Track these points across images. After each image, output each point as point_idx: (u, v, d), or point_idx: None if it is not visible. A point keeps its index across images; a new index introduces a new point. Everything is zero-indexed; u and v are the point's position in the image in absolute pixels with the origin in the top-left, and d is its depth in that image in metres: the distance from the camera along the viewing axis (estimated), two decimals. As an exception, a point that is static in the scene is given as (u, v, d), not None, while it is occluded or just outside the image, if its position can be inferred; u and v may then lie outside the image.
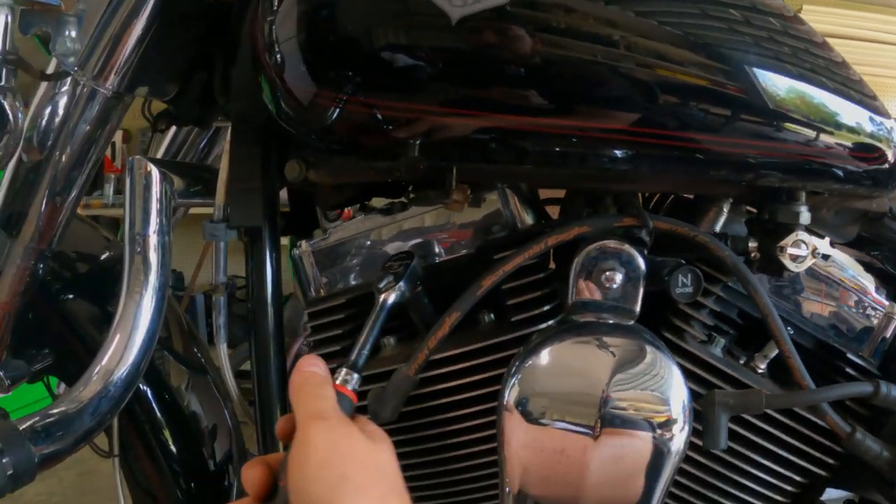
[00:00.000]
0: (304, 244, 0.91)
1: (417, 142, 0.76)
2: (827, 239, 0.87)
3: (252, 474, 0.64)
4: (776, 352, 0.85)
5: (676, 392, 0.74)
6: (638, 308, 0.79)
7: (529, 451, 0.73)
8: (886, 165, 0.83)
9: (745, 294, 0.86)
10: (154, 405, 1.03)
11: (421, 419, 0.85)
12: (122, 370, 0.84)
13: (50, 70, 0.91)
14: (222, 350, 0.93)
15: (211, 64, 0.96)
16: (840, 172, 0.80)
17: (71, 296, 1.04)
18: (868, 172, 0.82)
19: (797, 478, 0.89)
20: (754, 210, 0.89)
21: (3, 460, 0.73)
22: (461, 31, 0.71)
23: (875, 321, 0.92)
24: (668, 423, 0.73)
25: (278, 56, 0.75)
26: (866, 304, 0.92)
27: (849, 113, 0.81)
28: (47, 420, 0.79)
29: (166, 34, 0.90)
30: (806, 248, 0.81)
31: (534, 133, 0.75)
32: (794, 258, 0.81)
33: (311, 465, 0.60)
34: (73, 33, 0.88)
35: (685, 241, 0.81)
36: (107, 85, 0.89)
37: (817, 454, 0.88)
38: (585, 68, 0.73)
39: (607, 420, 0.72)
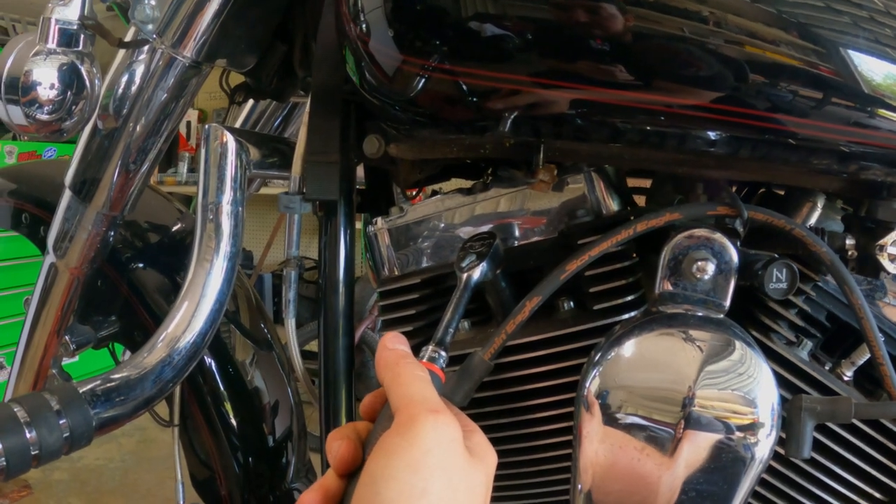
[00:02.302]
0: (379, 221, 0.88)
1: (505, 115, 0.73)
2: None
3: (338, 446, 0.58)
4: (863, 359, 0.80)
5: (766, 394, 0.68)
6: (728, 302, 0.74)
7: (606, 446, 0.69)
8: None
9: (835, 296, 0.81)
10: (217, 377, 1.01)
11: (493, 406, 0.81)
12: (188, 338, 0.81)
13: (128, 38, 0.88)
14: (290, 325, 0.90)
15: (291, 36, 0.93)
16: None
17: (141, 265, 1.02)
18: None
19: (877, 495, 0.83)
20: (849, 207, 0.83)
21: (61, 422, 0.71)
22: (554, 1, 0.67)
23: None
24: (754, 427, 0.68)
25: (364, 25, 0.72)
26: (959, 313, 0.86)
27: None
28: (108, 385, 0.77)
29: (247, 4, 0.87)
30: (907, 249, 0.75)
31: (626, 109, 0.70)
32: (894, 258, 0.75)
33: (400, 461, 0.53)
34: (153, 1, 0.85)
35: (779, 235, 0.75)
36: (185, 53, 0.86)
37: (903, 471, 0.82)
38: (679, 44, 0.68)
39: (692, 420, 0.67)
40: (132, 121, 0.90)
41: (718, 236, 0.73)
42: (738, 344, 0.69)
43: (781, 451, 0.74)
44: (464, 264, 0.74)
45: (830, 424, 0.80)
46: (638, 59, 0.69)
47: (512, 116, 0.73)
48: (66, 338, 0.97)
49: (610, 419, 0.68)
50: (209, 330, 0.83)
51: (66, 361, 1.04)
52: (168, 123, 0.91)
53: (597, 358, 0.70)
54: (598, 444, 0.69)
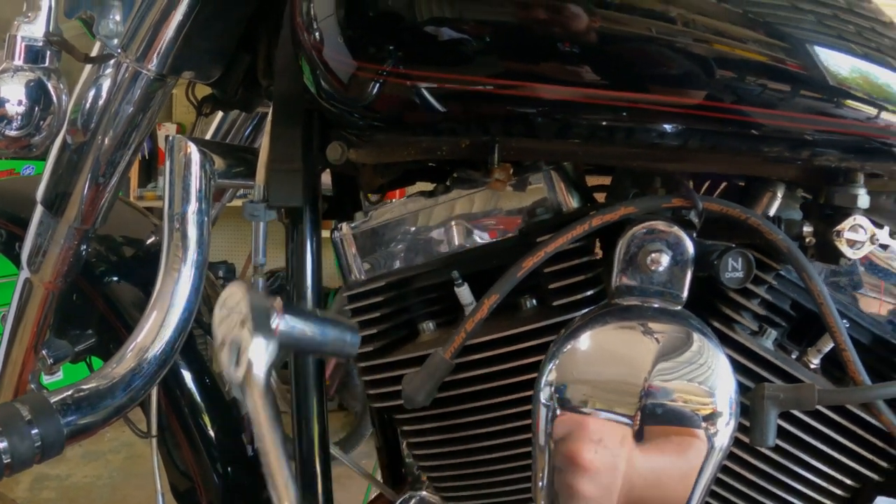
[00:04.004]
0: (344, 226, 0.89)
1: (458, 116, 0.75)
2: (886, 228, 0.83)
3: None
4: (830, 347, 0.81)
5: (723, 384, 0.70)
6: (685, 293, 0.75)
7: (564, 440, 0.70)
8: None
9: (798, 285, 0.82)
10: (194, 389, 1.03)
11: (457, 405, 0.83)
12: (157, 348, 0.83)
13: (94, 53, 0.91)
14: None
15: (255, 46, 0.95)
16: None
17: (115, 278, 1.04)
18: None
19: (847, 480, 0.83)
20: (809, 196, 0.85)
21: (33, 431, 0.72)
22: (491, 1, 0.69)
23: (938, 316, 0.87)
24: (712, 417, 0.69)
25: (317, 34, 0.74)
26: (928, 298, 0.87)
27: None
28: (78, 394, 0.78)
29: (210, 16, 0.89)
30: (864, 233, 0.77)
31: (578, 105, 0.72)
32: (852, 244, 0.77)
33: None
34: (118, 16, 0.88)
35: (737, 225, 0.77)
36: (150, 67, 0.89)
37: (870, 456, 0.82)
38: (631, 39, 0.69)
39: (648, 410, 0.68)
40: (100, 134, 0.92)
41: (673, 228, 0.74)
42: (693, 335, 0.71)
43: (746, 439, 0.76)
44: None
45: (798, 413, 0.81)
46: (590, 56, 0.71)
47: (465, 117, 0.75)
48: (44, 352, 0.99)
49: (566, 412, 0.69)
50: (178, 338, 0.85)
51: (49, 379, 1.06)
52: (136, 136, 0.93)
53: (553, 352, 0.72)
54: (555, 438, 0.70)
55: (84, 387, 0.80)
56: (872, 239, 0.77)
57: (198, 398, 1.02)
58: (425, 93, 0.73)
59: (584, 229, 0.75)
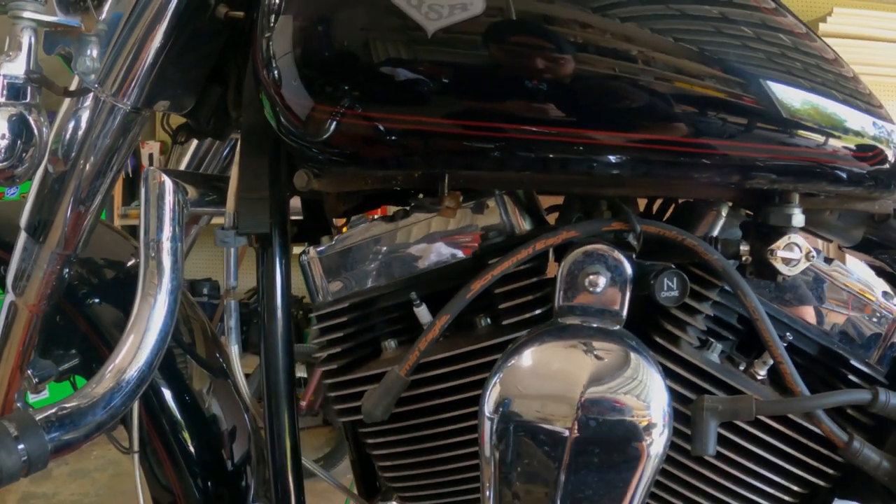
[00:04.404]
0: (311, 250, 0.95)
1: (411, 152, 0.80)
2: (821, 243, 0.88)
3: None
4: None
5: (657, 397, 0.75)
6: (624, 312, 0.80)
7: (505, 453, 0.75)
8: (887, 166, 0.83)
9: (744, 300, 0.87)
10: (175, 406, 1.08)
11: (416, 419, 0.88)
12: (135, 369, 0.89)
13: (73, 87, 0.97)
14: (233, 352, 0.97)
15: (226, 78, 1.01)
16: (834, 173, 0.80)
17: (97, 300, 1.10)
18: (867, 173, 0.82)
19: (795, 487, 0.88)
20: (752, 214, 0.90)
21: (20, 447, 0.78)
22: (438, 44, 0.75)
23: (883, 327, 0.92)
24: (647, 428, 0.74)
25: (276, 72, 0.79)
26: (874, 309, 0.91)
27: (844, 114, 0.81)
28: (62, 412, 0.84)
29: (182, 51, 0.95)
30: (799, 251, 0.81)
31: (521, 141, 0.77)
32: (787, 261, 0.81)
33: None
34: (94, 52, 0.94)
35: (675, 246, 0.82)
36: (125, 100, 0.94)
37: (815, 464, 0.87)
38: (578, 78, 0.75)
39: (583, 423, 0.73)
40: (80, 164, 0.98)
41: (610, 250, 0.79)
42: (627, 352, 0.76)
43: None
44: None
45: (742, 424, 0.86)
46: (525, 94, 0.76)
47: (416, 153, 0.80)
48: (30, 372, 1.05)
49: (507, 427, 0.75)
50: (155, 359, 0.91)
51: (35, 398, 1.12)
52: (114, 165, 0.99)
53: (497, 368, 0.77)
54: (499, 450, 0.76)
55: (67, 405, 0.86)
56: (808, 256, 0.82)
57: (178, 415, 1.07)
58: (380, 131, 0.78)
59: (528, 253, 0.81)
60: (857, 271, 0.94)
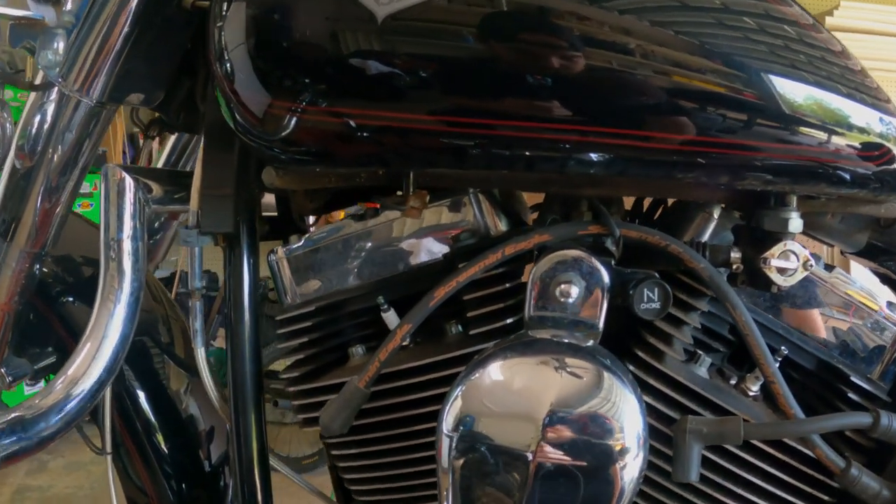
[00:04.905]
0: (279, 250, 0.84)
1: (372, 148, 0.68)
2: (824, 249, 0.75)
3: None
4: (772, 372, 0.73)
5: (630, 418, 0.62)
6: (601, 324, 0.68)
7: (465, 474, 0.63)
8: (894, 165, 0.69)
9: (737, 308, 0.74)
10: (148, 407, 0.98)
11: (380, 432, 0.76)
12: (91, 378, 0.79)
13: (38, 81, 0.87)
14: (199, 354, 0.87)
15: (196, 71, 0.90)
16: (836, 173, 0.67)
17: (70, 299, 1.00)
18: (873, 174, 0.68)
19: None
20: (745, 217, 0.77)
21: None
22: (389, 32, 0.62)
23: (887, 339, 0.78)
24: (619, 452, 0.62)
25: (228, 65, 0.67)
26: (877, 320, 0.78)
27: (848, 109, 0.68)
28: (10, 422, 0.75)
29: (148, 43, 0.84)
30: (796, 260, 0.68)
31: (487, 136, 0.65)
32: (782, 271, 0.68)
33: None
34: (60, 45, 0.84)
35: (659, 252, 0.69)
36: (90, 95, 0.84)
37: (810, 490, 0.74)
38: (531, 64, 0.62)
39: (547, 446, 0.61)
40: (47, 159, 0.87)
41: (585, 256, 0.67)
42: (598, 370, 0.63)
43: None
44: None
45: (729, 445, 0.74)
46: (488, 85, 0.63)
47: (379, 148, 0.68)
48: (2, 370, 0.96)
49: (466, 447, 0.62)
50: (113, 365, 0.81)
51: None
52: (81, 158, 0.88)
53: (457, 383, 0.65)
54: (456, 473, 0.64)
55: (13, 416, 0.77)
56: (805, 265, 0.69)
57: (151, 416, 0.97)
58: (341, 127, 0.66)
59: (496, 258, 0.68)
60: (861, 279, 0.80)
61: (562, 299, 0.66)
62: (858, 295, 0.78)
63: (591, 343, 0.66)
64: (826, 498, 0.75)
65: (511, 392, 0.63)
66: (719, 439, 0.67)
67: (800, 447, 0.72)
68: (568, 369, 0.63)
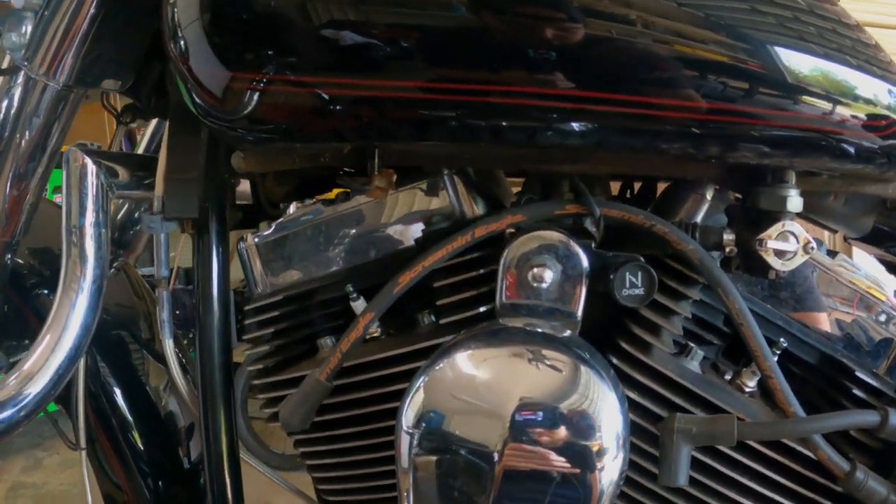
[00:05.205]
0: (249, 237, 0.76)
1: (340, 120, 0.60)
2: (827, 235, 0.66)
3: None
4: (770, 366, 0.64)
5: (608, 416, 0.53)
6: (580, 312, 0.59)
7: (426, 475, 0.55)
8: None
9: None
10: (124, 404, 0.90)
11: (340, 430, 0.68)
12: (49, 371, 0.72)
13: (4, 65, 0.81)
14: (168, 346, 0.79)
15: (165, 54, 0.83)
16: (839, 146, 0.58)
17: (45, 291, 0.93)
18: (879, 148, 0.59)
19: None
20: (740, 197, 0.68)
21: None
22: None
23: (894, 332, 0.69)
24: (596, 453, 0.53)
25: (182, 43, 0.60)
26: (883, 311, 0.69)
27: (856, 80, 0.59)
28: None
29: (116, 25, 0.77)
30: (795, 242, 0.59)
31: (460, 104, 0.56)
32: (780, 254, 0.59)
33: None
34: (27, 28, 0.77)
35: (644, 234, 0.61)
36: (56, 78, 0.77)
37: (811, 495, 0.64)
38: (506, 25, 0.54)
39: (515, 445, 0.52)
40: (14, 145, 0.81)
41: (561, 238, 0.58)
42: (574, 362, 0.54)
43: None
44: None
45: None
46: (454, 44, 0.55)
47: (340, 120, 0.60)
48: (-25, 363, 0.90)
49: (426, 445, 0.54)
50: (75, 356, 0.74)
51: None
52: (50, 145, 0.81)
53: (418, 376, 0.56)
54: (416, 474, 0.55)
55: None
56: (806, 248, 0.60)
57: (128, 413, 0.90)
58: (308, 99, 0.59)
59: (465, 241, 0.60)
60: (866, 267, 0.71)
61: (535, 284, 0.57)
62: (863, 283, 0.69)
63: (567, 333, 0.57)
64: (828, 503, 0.65)
65: (477, 385, 0.54)
66: (710, 440, 0.58)
67: (800, 448, 0.63)
68: (540, 361, 0.54)
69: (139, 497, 0.90)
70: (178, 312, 0.92)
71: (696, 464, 0.62)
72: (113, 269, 0.97)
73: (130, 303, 0.99)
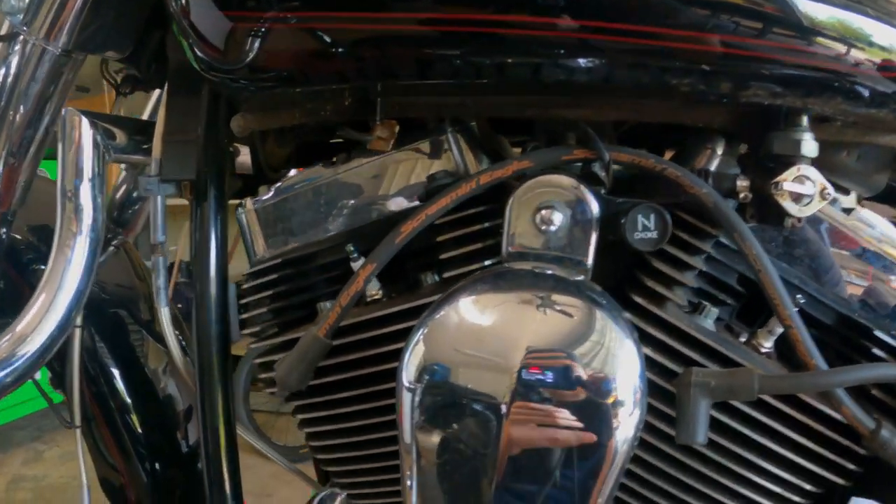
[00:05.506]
0: (248, 202, 0.70)
1: (336, 61, 0.56)
2: (853, 194, 0.61)
3: None
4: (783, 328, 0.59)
5: (625, 365, 0.48)
6: (590, 260, 0.54)
7: (429, 434, 0.49)
8: None
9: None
10: (123, 385, 0.85)
11: (339, 394, 0.62)
12: (44, 333, 0.67)
13: (2, 31, 0.76)
14: (164, 315, 0.74)
15: (166, 21, 0.78)
16: (853, 88, 0.53)
17: (43, 266, 0.87)
18: (893, 93, 0.54)
19: (807, 486, 0.59)
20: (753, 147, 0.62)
21: None
22: None
23: (913, 292, 0.63)
24: (611, 406, 0.47)
25: None
26: (900, 271, 0.63)
27: (871, 30, 0.54)
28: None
29: (116, -11, 0.73)
30: (812, 186, 0.54)
31: (455, 37, 0.51)
32: (797, 198, 0.54)
33: None
34: (22, -9, 0.73)
35: (655, 180, 0.56)
36: (56, 43, 0.73)
37: (833, 457, 0.58)
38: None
39: (523, 398, 0.46)
40: (10, 114, 0.76)
41: (568, 181, 0.53)
42: (588, 306, 0.49)
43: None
44: None
45: (741, 405, 0.59)
46: None
47: (343, 64, 0.56)
48: (-29, 338, 0.84)
49: (429, 401, 0.49)
50: (69, 320, 0.68)
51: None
52: (47, 115, 0.77)
53: (418, 326, 0.51)
54: (419, 433, 0.49)
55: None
56: (823, 193, 0.55)
57: (125, 394, 0.84)
58: (306, 38, 0.55)
59: (469, 188, 0.55)
60: (881, 225, 0.66)
61: (543, 228, 0.52)
62: (880, 243, 0.64)
63: (580, 279, 0.52)
64: (851, 466, 0.59)
65: (483, 333, 0.48)
66: (729, 394, 0.53)
67: (821, 406, 0.57)
68: (552, 304, 0.49)
69: (136, 479, 0.84)
70: (179, 306, 0.87)
71: (712, 423, 0.56)
72: (112, 248, 0.92)
73: (130, 283, 0.94)
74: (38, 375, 0.81)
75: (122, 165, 1.00)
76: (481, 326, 0.48)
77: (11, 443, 2.53)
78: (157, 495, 0.83)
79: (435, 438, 0.48)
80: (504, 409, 0.47)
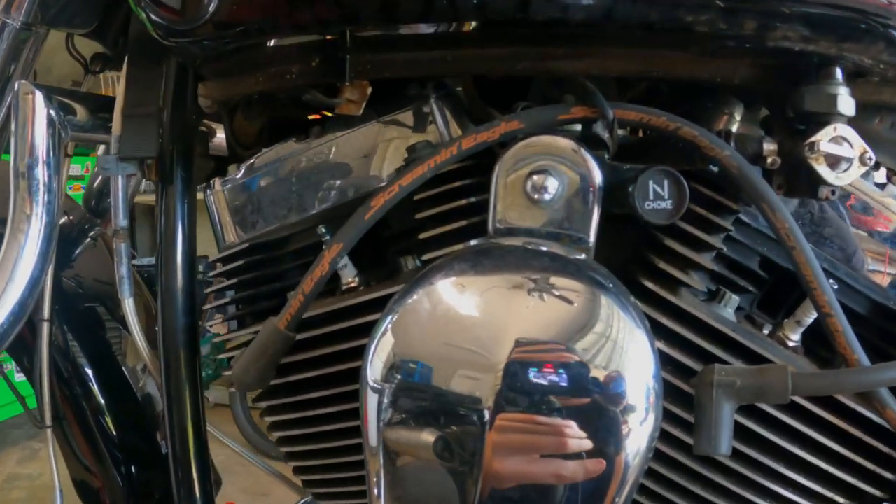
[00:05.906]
0: (216, 182, 0.60)
1: (302, 9, 0.46)
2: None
3: None
4: (813, 318, 0.47)
5: (636, 363, 0.37)
6: (593, 237, 0.43)
7: (397, 439, 0.38)
8: None
9: (770, 235, 0.49)
10: (96, 385, 0.75)
11: (307, 394, 0.51)
12: None
13: (-40, 4, 0.66)
14: (128, 305, 0.64)
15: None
16: (889, 33, 0.42)
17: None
18: None
19: (839, 499, 0.48)
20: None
21: None
22: None
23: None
24: (621, 412, 0.36)
25: None
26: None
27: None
28: None
29: (79, -43, 0.63)
30: (850, 148, 0.43)
31: None
32: (834, 163, 0.43)
33: None
34: (-17, -38, 0.63)
35: (667, 143, 0.45)
36: (15, 16, 0.63)
37: (870, 466, 0.47)
38: None
39: (510, 400, 0.36)
40: (-31, 90, 0.67)
41: (565, 142, 0.42)
42: (591, 290, 0.38)
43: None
44: None
45: (767, 406, 0.48)
46: None
47: (312, 9, 0.46)
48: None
49: (396, 404, 0.38)
50: (22, 311, 0.59)
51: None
52: (8, 93, 0.68)
53: (384, 315, 0.40)
54: (386, 440, 0.39)
55: None
56: (863, 158, 0.43)
57: (99, 395, 0.74)
58: None
59: (450, 154, 0.44)
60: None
61: (536, 196, 0.41)
62: (921, 221, 0.52)
63: (580, 255, 0.41)
64: (890, 476, 0.48)
65: (462, 322, 0.38)
66: (758, 396, 0.41)
67: (860, 408, 0.46)
68: (547, 287, 0.38)
69: (111, 482, 0.74)
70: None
71: (734, 429, 0.45)
72: (89, 240, 0.82)
73: (109, 277, 0.84)
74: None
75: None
76: (460, 314, 0.37)
77: (7, 441, 2.44)
78: (133, 499, 0.73)
79: (405, 448, 0.38)
80: (487, 415, 0.36)
